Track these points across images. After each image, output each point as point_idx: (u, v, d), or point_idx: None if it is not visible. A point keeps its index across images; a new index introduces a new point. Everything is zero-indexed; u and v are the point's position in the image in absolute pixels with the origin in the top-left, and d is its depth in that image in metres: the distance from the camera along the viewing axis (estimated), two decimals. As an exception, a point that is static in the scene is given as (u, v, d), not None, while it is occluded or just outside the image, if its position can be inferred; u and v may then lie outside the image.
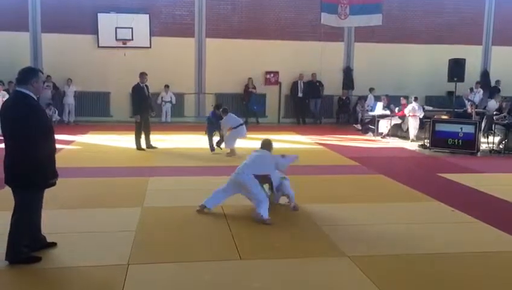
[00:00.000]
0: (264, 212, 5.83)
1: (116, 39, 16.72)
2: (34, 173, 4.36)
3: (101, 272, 4.45)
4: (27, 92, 4.37)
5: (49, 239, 4.87)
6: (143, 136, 11.21)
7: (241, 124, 10.80)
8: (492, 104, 15.21)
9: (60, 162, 10.04)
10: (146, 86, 11.17)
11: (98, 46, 16.80)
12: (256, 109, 17.30)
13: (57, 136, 13.77)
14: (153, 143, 11.34)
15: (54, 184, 4.59)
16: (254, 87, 17.24)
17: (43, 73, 4.56)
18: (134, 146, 11.18)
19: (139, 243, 5.13)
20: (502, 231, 5.69)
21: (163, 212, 6.19)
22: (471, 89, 16.94)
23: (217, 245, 5.13)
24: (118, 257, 4.71)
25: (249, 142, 10.61)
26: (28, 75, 4.42)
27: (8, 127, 4.38)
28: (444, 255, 4.94)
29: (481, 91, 17.68)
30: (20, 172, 4.35)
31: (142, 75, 11.11)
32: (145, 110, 11.14)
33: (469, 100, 15.51)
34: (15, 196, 4.47)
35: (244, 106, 17.24)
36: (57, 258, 4.69)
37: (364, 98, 17.40)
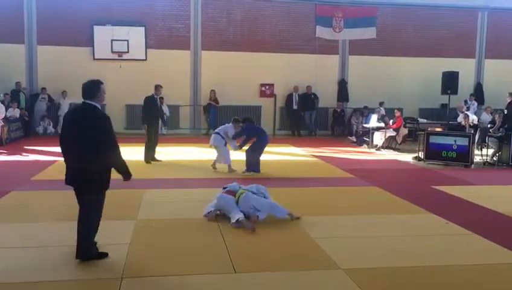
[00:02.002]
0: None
1: (112, 51, 16.79)
2: (109, 176, 4.85)
3: (94, 285, 4.42)
4: (94, 103, 4.82)
5: (41, 253, 4.85)
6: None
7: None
8: (486, 116, 15.34)
9: (54, 174, 9.95)
10: (161, 98, 11.25)
11: (94, 59, 16.86)
12: (210, 122, 17.29)
13: (52, 148, 13.75)
14: (156, 156, 11.32)
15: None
16: (215, 100, 17.27)
17: (102, 83, 5.00)
18: (130, 158, 11.08)
19: (133, 256, 5.10)
20: (496, 243, 5.70)
21: (158, 225, 6.17)
22: (466, 102, 17.06)
23: (211, 258, 5.10)
24: (111, 271, 4.68)
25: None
26: (93, 89, 4.86)
27: (87, 135, 4.65)
28: (438, 268, 4.94)
29: (475, 103, 17.82)
30: (99, 176, 4.74)
31: (157, 87, 11.15)
32: (154, 122, 11.13)
33: (463, 112, 15.61)
34: (87, 199, 4.78)
35: (205, 118, 17.49)
36: (49, 271, 4.66)
37: (359, 110, 17.47)
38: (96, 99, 4.82)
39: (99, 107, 4.87)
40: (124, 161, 4.92)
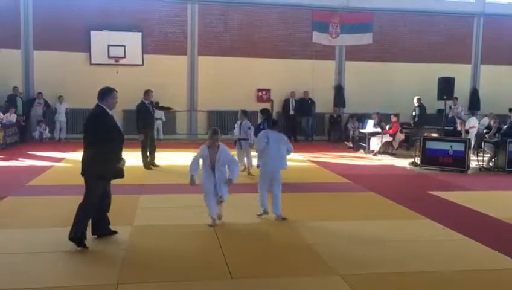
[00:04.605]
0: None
1: (109, 57, 16.78)
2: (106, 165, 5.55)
3: (89, 291, 4.40)
4: (103, 106, 5.50)
5: (36, 259, 4.82)
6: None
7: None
8: (486, 121, 15.41)
9: (50, 179, 9.91)
10: (151, 102, 11.18)
11: (91, 64, 16.84)
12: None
13: (48, 154, 13.65)
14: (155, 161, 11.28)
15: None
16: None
17: (116, 92, 5.61)
18: (129, 163, 11.06)
19: (129, 262, 5.08)
20: (492, 249, 5.70)
21: (154, 231, 6.15)
22: (450, 107, 16.94)
23: (208, 264, 5.09)
24: (107, 277, 4.66)
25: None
26: (104, 94, 5.54)
27: (88, 132, 5.58)
28: (434, 273, 4.94)
29: (459, 107, 17.82)
30: (97, 166, 5.53)
31: (147, 92, 11.07)
32: (149, 128, 11.12)
33: (459, 118, 15.64)
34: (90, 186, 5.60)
35: None
36: (44, 277, 4.63)
37: (356, 116, 17.48)
38: (104, 102, 5.47)
39: (106, 109, 5.48)
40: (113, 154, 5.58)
